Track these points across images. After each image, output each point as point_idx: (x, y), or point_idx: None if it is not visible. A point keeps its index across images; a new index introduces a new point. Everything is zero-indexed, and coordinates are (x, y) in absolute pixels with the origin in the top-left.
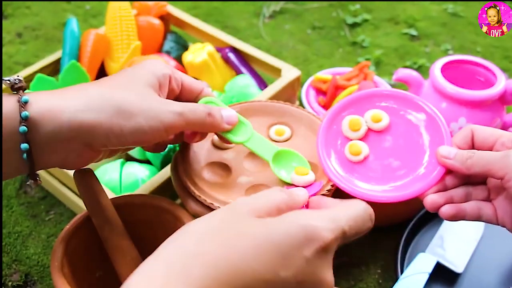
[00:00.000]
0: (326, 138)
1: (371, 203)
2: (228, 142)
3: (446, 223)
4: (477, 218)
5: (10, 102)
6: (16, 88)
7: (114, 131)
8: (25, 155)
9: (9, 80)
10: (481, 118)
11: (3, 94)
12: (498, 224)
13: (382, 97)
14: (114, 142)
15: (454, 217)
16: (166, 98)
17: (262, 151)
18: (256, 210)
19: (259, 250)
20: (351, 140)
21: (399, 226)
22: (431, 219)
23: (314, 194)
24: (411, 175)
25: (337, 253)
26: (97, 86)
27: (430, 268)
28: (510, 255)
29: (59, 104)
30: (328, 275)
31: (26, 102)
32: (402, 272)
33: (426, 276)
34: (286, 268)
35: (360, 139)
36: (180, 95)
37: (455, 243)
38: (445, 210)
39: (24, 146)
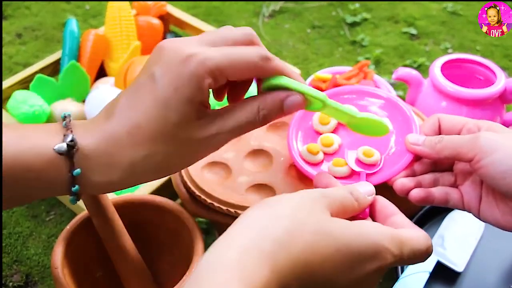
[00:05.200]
0: (296, 134)
1: None
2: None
3: (446, 222)
4: (445, 203)
5: (60, 165)
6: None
7: None
8: (72, 197)
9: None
10: (481, 116)
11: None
12: (465, 209)
13: (350, 94)
14: None
15: (423, 201)
16: None
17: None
18: (331, 207)
19: (337, 256)
20: (322, 134)
21: None
22: (431, 218)
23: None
24: (380, 162)
25: None
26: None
27: (430, 267)
28: (511, 254)
29: None
30: None
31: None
32: (402, 271)
33: (427, 275)
34: (348, 276)
35: (331, 133)
36: None
37: (455, 242)
38: (415, 193)
39: (75, 188)
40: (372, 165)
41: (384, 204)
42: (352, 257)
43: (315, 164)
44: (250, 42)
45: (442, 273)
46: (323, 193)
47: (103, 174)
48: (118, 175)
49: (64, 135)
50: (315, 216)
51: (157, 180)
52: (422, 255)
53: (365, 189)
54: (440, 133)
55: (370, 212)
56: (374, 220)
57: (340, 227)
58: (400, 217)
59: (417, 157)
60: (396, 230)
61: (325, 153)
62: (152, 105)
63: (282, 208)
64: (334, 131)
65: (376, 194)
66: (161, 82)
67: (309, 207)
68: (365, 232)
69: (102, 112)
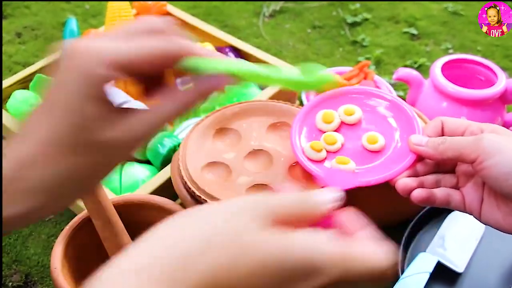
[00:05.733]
0: (300, 131)
1: (356, 192)
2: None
3: (447, 223)
4: (446, 204)
5: None
6: None
7: None
8: None
9: None
10: (481, 117)
11: None
12: (466, 211)
13: (355, 94)
14: None
15: (425, 201)
16: None
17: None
18: (269, 215)
19: (256, 275)
20: (325, 132)
21: (400, 225)
22: (432, 218)
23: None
24: (383, 162)
25: None
26: None
27: (430, 268)
28: (511, 254)
29: None
30: None
31: None
32: (402, 272)
33: (427, 276)
34: None
35: (334, 132)
36: None
37: (455, 242)
38: (417, 193)
39: None
40: (378, 152)
41: (352, 217)
42: (283, 274)
43: (318, 162)
44: (161, 31)
45: (442, 273)
46: (266, 199)
47: (22, 202)
48: (38, 199)
49: None
50: (238, 227)
51: (157, 180)
52: (374, 274)
53: (326, 196)
54: (443, 135)
55: (337, 224)
56: (340, 232)
57: (267, 240)
58: (366, 232)
59: (420, 158)
60: (345, 243)
61: (327, 151)
62: (56, 115)
63: (199, 219)
64: (337, 130)
65: (378, 193)
66: (58, 86)
67: (236, 216)
68: (297, 245)
69: (15, 134)
